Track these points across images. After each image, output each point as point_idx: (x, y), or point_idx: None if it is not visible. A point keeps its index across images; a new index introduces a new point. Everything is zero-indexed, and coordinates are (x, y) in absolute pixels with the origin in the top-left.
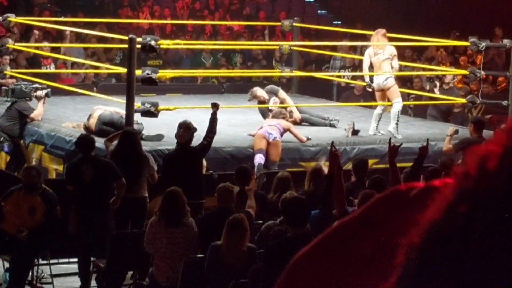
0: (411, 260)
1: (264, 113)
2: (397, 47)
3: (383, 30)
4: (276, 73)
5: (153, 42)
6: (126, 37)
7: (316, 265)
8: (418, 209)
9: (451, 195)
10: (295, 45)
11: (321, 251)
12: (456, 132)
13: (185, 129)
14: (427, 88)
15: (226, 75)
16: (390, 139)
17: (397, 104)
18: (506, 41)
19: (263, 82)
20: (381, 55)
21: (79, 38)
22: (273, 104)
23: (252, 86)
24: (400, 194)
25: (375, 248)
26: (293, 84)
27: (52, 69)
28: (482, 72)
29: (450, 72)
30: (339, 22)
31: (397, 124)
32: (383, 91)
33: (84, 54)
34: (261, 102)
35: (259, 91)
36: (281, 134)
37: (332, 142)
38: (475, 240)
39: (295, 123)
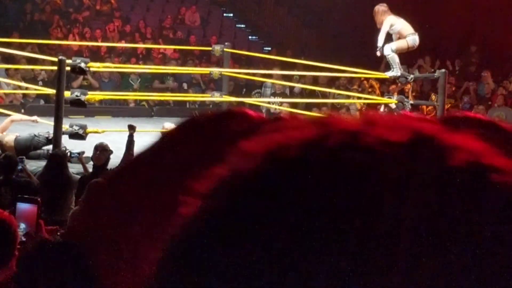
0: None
1: None
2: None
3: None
4: (205, 97)
5: (82, 64)
6: (55, 59)
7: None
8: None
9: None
10: (225, 71)
11: (120, 178)
12: None
13: (102, 151)
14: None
15: (157, 99)
16: None
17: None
18: (437, 72)
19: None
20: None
21: (5, 58)
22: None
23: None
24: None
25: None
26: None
27: None
28: (411, 102)
29: (378, 101)
30: (269, 48)
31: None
32: None
33: (6, 75)
34: None
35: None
36: None
37: None
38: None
39: None
